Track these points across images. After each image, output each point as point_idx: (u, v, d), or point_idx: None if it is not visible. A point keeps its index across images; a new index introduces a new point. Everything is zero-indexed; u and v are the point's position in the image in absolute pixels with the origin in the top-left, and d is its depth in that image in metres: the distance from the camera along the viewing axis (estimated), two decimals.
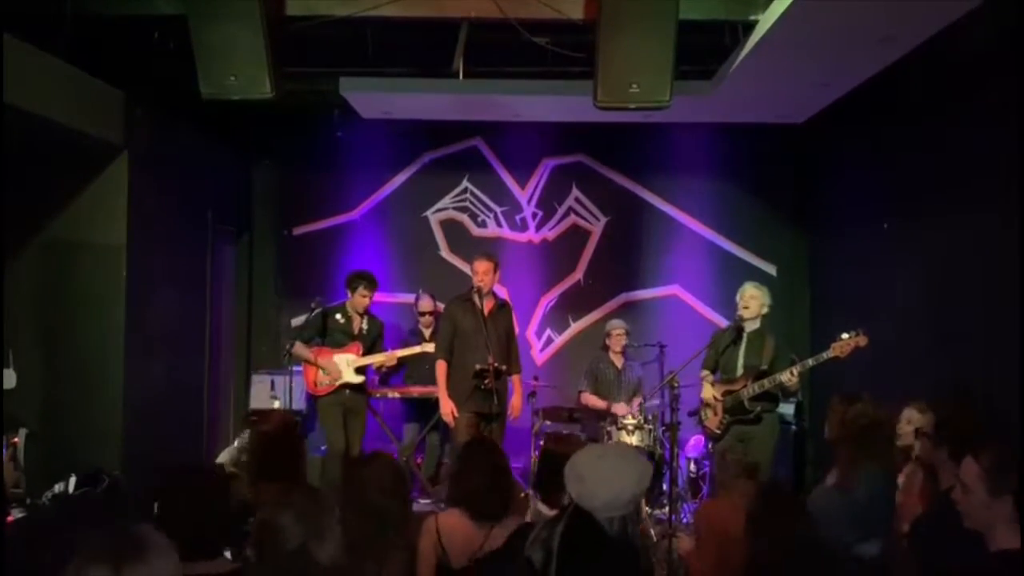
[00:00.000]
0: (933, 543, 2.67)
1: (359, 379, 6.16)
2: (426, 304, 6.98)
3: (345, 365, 6.11)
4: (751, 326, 5.55)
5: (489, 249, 6.76)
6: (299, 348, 6.11)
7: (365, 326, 6.29)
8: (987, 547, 2.21)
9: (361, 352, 6.18)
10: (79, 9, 4.91)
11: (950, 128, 5.19)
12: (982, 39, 4.61)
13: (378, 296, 7.48)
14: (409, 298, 7.46)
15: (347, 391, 6.12)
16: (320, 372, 6.06)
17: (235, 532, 3.36)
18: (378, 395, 6.66)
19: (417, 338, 6.92)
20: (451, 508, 3.23)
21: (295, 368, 6.32)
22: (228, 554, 3.27)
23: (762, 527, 2.61)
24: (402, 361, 6.62)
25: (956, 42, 4.61)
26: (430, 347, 6.28)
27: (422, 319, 6.99)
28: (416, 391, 6.70)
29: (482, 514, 3.11)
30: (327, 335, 6.17)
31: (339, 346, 6.16)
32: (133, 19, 5.06)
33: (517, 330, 6.27)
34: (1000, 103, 4.63)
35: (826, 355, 5.04)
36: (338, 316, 6.22)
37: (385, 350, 6.46)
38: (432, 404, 6.61)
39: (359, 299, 6.20)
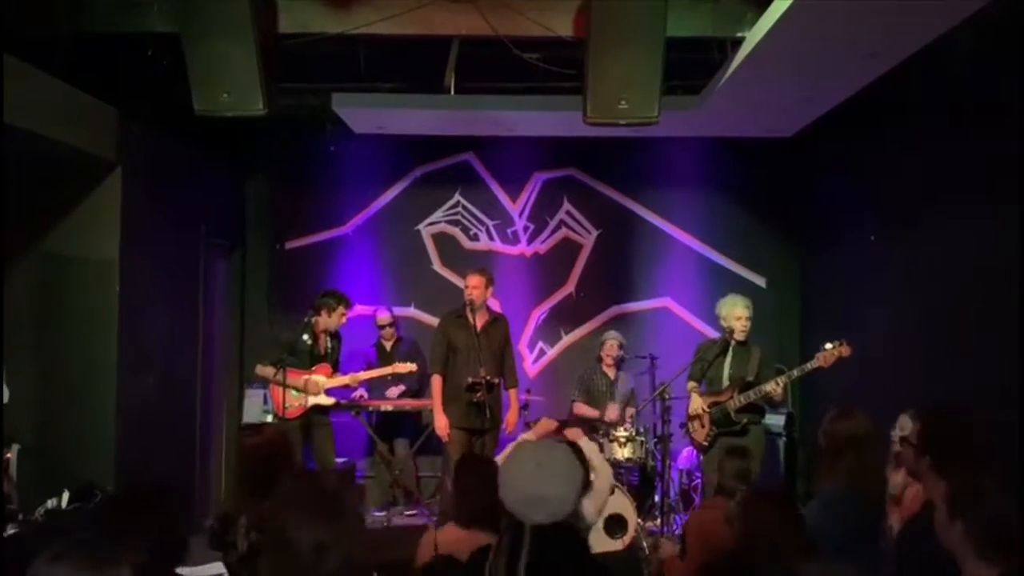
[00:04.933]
0: (912, 554, 2.69)
1: (330, 400, 6.12)
2: (384, 318, 7.02)
3: (317, 384, 6.06)
4: (741, 339, 5.60)
5: (482, 264, 6.80)
6: (263, 369, 6.03)
7: (330, 345, 6.26)
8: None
9: (330, 373, 6.15)
10: (72, 26, 4.95)
11: (938, 141, 5.25)
12: (969, 52, 4.67)
13: (370, 309, 7.55)
14: (402, 311, 7.51)
15: (314, 412, 6.07)
16: (290, 395, 5.92)
17: (221, 542, 3.37)
18: (370, 408, 6.68)
19: (378, 351, 6.96)
20: (450, 524, 3.20)
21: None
22: (221, 564, 3.29)
23: (749, 527, 2.63)
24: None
25: (943, 56, 4.68)
26: (402, 367, 6.28)
27: (383, 332, 7.02)
28: (408, 404, 6.72)
29: (492, 528, 2.99)
30: (294, 355, 6.01)
31: (306, 367, 6.06)
32: (126, 36, 5.09)
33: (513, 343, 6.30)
34: (988, 116, 4.70)
35: (810, 366, 5.10)
36: (305, 336, 6.09)
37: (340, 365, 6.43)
38: (397, 416, 6.74)
39: (337, 319, 6.15)
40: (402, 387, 6.78)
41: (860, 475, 3.33)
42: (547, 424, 4.04)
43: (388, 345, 7.02)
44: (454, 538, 3.13)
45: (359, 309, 7.57)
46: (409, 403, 6.69)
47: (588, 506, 3.61)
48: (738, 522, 2.69)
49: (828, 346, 5.04)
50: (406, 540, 3.66)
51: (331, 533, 2.19)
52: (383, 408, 6.72)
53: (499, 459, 3.66)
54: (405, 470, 6.84)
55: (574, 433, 3.99)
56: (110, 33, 5.03)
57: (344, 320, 6.22)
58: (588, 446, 3.86)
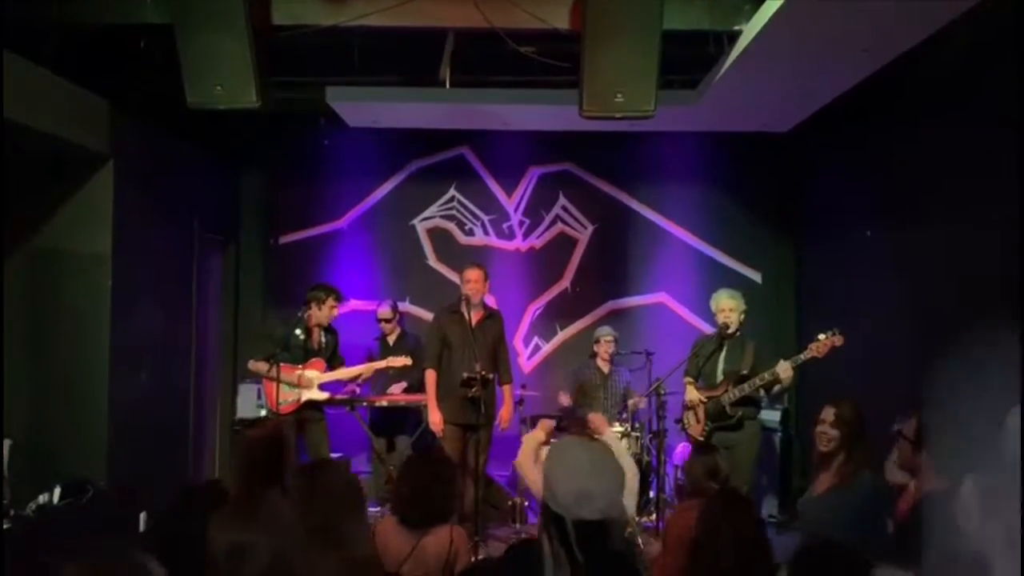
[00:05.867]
0: (909, 549, 2.68)
1: (323, 395, 6.07)
2: (385, 312, 6.98)
3: (310, 379, 6.01)
4: (733, 333, 5.59)
5: (477, 259, 6.77)
6: (256, 365, 5.96)
7: (324, 340, 6.21)
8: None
9: (324, 368, 6.11)
10: (64, 18, 4.90)
11: (933, 136, 5.24)
12: (965, 48, 4.66)
13: (365, 304, 7.53)
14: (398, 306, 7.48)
15: (306, 407, 6.01)
16: (284, 390, 5.87)
17: None
18: (365, 403, 6.65)
19: (381, 345, 6.93)
20: (389, 515, 3.29)
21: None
22: None
23: (712, 531, 2.62)
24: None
25: (939, 51, 4.66)
26: (397, 361, 6.23)
27: (384, 326, 6.99)
28: (402, 399, 6.67)
29: (407, 521, 3.16)
30: (287, 350, 5.92)
31: (299, 362, 6.01)
32: (119, 28, 5.05)
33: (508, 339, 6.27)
34: (983, 110, 4.69)
35: (803, 356, 5.09)
36: (298, 331, 6.01)
37: (342, 360, 6.36)
38: (400, 412, 6.66)
39: (328, 311, 6.08)
40: (403, 384, 6.73)
41: (871, 459, 3.38)
42: (548, 423, 4.02)
43: (391, 340, 6.98)
44: (390, 528, 3.19)
45: (355, 304, 7.56)
46: (403, 398, 6.64)
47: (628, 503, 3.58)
48: (698, 525, 2.69)
49: (821, 336, 5.06)
50: None
51: (249, 535, 2.20)
52: (377, 404, 6.67)
53: (522, 459, 3.65)
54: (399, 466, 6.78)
55: (598, 421, 3.95)
56: (102, 25, 4.98)
57: (335, 313, 6.16)
58: (611, 438, 3.85)
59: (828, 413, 3.60)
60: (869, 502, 3.33)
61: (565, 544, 2.27)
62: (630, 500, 3.50)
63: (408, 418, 6.75)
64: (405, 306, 7.58)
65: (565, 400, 6.69)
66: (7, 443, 5.23)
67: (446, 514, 3.20)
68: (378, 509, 6.60)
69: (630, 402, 6.51)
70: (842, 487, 3.48)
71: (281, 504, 2.45)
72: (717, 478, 3.65)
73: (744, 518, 2.66)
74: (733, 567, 2.49)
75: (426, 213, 7.84)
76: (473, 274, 5.76)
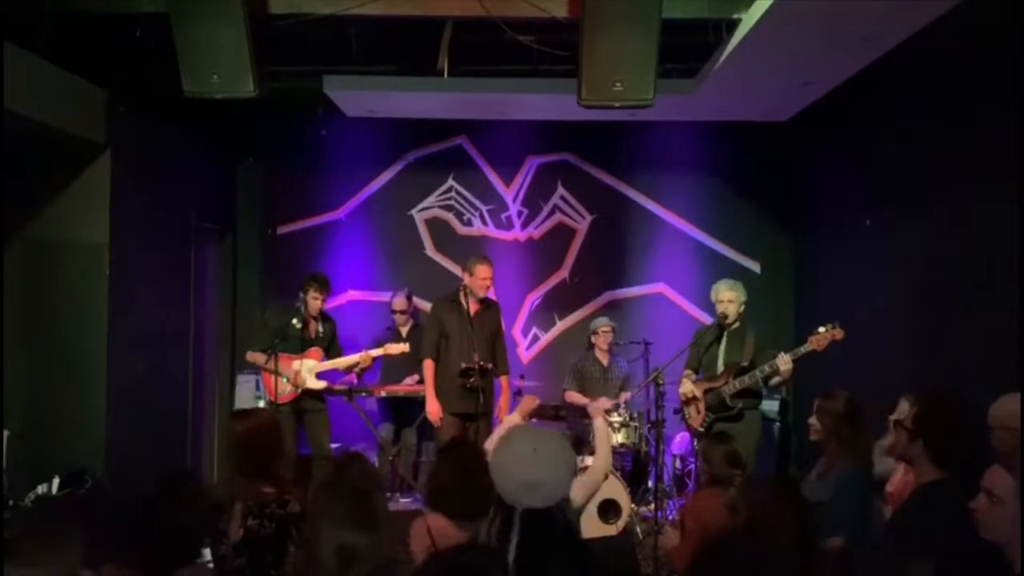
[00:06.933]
0: (908, 537, 2.68)
1: (320, 384, 6.07)
2: (400, 302, 6.97)
3: (307, 372, 6.01)
4: (732, 324, 5.59)
5: (476, 249, 6.77)
6: (254, 356, 5.97)
7: (321, 329, 6.20)
8: (1010, 567, 2.16)
9: (322, 357, 6.10)
10: (60, 7, 4.88)
11: (933, 125, 5.22)
12: (963, 37, 4.65)
13: (363, 294, 7.52)
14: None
15: (306, 397, 6.02)
16: (282, 380, 5.88)
17: (211, 530, 3.34)
18: (364, 393, 6.64)
19: (393, 335, 6.91)
20: (433, 511, 3.19)
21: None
22: (207, 551, 3.25)
23: (763, 520, 2.59)
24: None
25: (937, 40, 4.65)
26: (394, 348, 6.23)
27: (398, 317, 6.98)
28: (402, 389, 6.66)
29: (458, 516, 2.92)
30: (284, 340, 5.93)
31: (296, 352, 6.01)
32: (115, 17, 5.02)
33: (504, 331, 6.25)
34: (982, 102, 4.67)
35: (803, 349, 5.09)
36: (294, 321, 6.01)
37: (341, 349, 6.36)
38: (406, 403, 6.62)
39: (311, 301, 6.06)
40: (416, 376, 6.69)
41: (860, 449, 3.40)
42: (530, 401, 4.01)
43: (404, 331, 6.97)
44: (442, 524, 2.95)
45: (353, 295, 7.55)
46: (403, 389, 6.63)
47: (577, 489, 3.56)
48: (742, 509, 2.67)
49: (821, 329, 5.06)
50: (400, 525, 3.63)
51: (361, 539, 2.18)
52: (376, 395, 6.66)
53: (488, 444, 3.62)
54: (402, 455, 6.79)
55: (595, 410, 3.96)
56: (98, 13, 4.96)
57: (318, 302, 6.12)
58: (601, 429, 3.84)
59: (815, 405, 3.67)
60: (844, 491, 3.36)
61: (503, 531, 2.28)
62: (588, 484, 3.45)
63: (416, 409, 6.75)
64: None
65: (578, 399, 6.62)
66: (6, 433, 5.23)
67: (490, 502, 3.12)
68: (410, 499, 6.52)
69: (622, 396, 6.48)
70: (822, 476, 3.54)
71: (386, 504, 2.40)
72: (739, 465, 3.67)
73: (799, 504, 2.66)
74: (788, 550, 2.47)
75: (424, 203, 7.81)
76: (487, 271, 5.73)
